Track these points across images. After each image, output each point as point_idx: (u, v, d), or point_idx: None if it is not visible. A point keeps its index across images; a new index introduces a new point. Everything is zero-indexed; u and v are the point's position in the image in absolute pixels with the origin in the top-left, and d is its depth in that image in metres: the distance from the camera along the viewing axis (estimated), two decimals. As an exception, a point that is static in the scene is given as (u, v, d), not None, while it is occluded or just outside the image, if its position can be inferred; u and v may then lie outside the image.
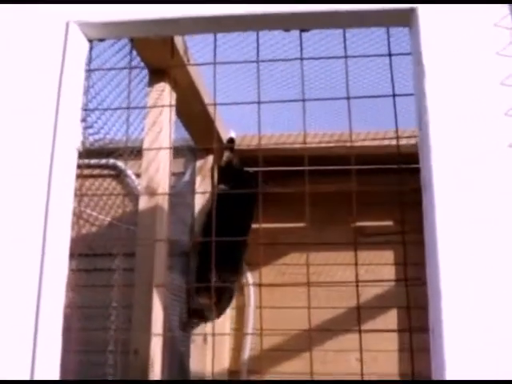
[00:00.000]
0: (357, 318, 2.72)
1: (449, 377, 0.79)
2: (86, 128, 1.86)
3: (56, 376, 0.89)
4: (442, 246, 0.84)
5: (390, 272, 2.82)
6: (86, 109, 1.41)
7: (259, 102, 1.07)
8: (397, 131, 1.07)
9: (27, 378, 0.85)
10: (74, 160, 1.02)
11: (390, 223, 2.83)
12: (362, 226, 2.90)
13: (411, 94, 0.90)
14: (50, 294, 0.90)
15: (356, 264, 1.24)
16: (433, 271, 0.84)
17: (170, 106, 1.95)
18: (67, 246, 0.95)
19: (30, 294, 0.88)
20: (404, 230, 1.15)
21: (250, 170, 2.59)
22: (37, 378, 0.85)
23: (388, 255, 2.85)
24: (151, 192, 1.90)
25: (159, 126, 1.94)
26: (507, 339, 0.80)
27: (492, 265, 0.82)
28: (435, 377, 0.81)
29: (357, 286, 1.28)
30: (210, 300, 2.38)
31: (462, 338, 0.80)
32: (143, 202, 1.92)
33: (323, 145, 2.69)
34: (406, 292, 1.16)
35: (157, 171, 1.90)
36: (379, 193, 2.79)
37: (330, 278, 2.84)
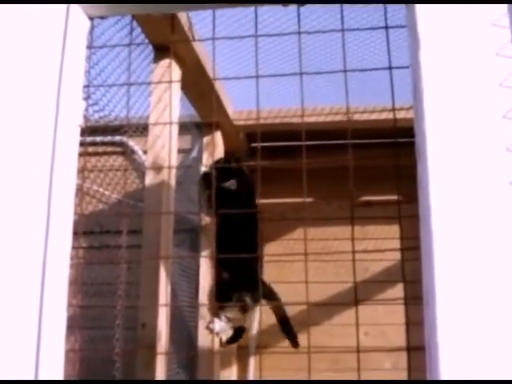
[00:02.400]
0: (364, 292, 2.75)
1: (441, 348, 0.79)
2: (91, 105, 1.87)
3: (61, 352, 0.90)
4: (435, 214, 0.84)
5: (396, 246, 2.82)
6: (87, 85, 1.41)
7: (257, 77, 1.07)
8: (393, 103, 1.07)
9: (33, 355, 0.86)
10: (76, 137, 1.02)
11: (396, 197, 2.82)
12: (367, 200, 2.90)
13: (407, 67, 0.90)
14: (54, 271, 0.91)
15: (352, 239, 1.24)
16: (426, 239, 0.84)
17: (171, 81, 1.94)
18: (71, 222, 0.96)
19: (34, 273, 0.89)
20: (399, 201, 1.15)
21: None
22: (42, 355, 0.86)
23: (395, 229, 2.84)
24: (157, 169, 1.91)
25: (164, 102, 1.94)
26: (500, 310, 0.80)
27: (485, 232, 0.82)
28: (428, 349, 0.82)
29: (353, 260, 1.28)
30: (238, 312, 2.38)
31: (454, 309, 0.81)
32: (149, 178, 1.92)
33: (321, 119, 2.69)
34: (402, 267, 1.16)
35: (163, 147, 1.91)
36: (387, 167, 2.78)
37: (338, 251, 2.85)
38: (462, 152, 0.86)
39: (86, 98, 1.77)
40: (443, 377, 0.79)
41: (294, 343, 2.41)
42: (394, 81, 1.02)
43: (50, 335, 0.89)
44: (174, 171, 2.01)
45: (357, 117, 2.68)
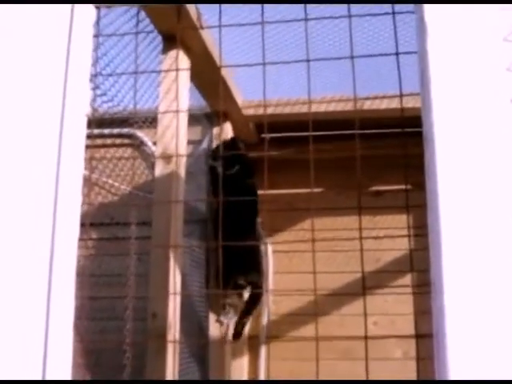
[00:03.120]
0: (375, 282, 2.75)
1: (449, 336, 0.79)
2: (99, 96, 1.87)
3: (69, 343, 0.91)
4: (443, 202, 0.83)
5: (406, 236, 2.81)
6: (95, 74, 1.40)
7: (264, 64, 1.07)
8: (400, 88, 1.06)
9: (41, 346, 0.87)
10: (83, 126, 1.02)
11: (407, 187, 2.81)
12: (377, 190, 2.90)
13: (414, 52, 0.89)
14: (62, 262, 0.91)
15: (360, 228, 1.24)
16: (434, 223, 0.84)
17: (178, 69, 1.93)
18: (78, 214, 0.96)
19: (41, 264, 0.90)
20: (407, 190, 1.14)
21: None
22: (50, 345, 0.87)
23: (405, 219, 2.84)
24: (167, 159, 1.91)
25: (173, 92, 1.94)
26: (509, 298, 0.80)
27: (495, 221, 0.82)
28: (436, 337, 0.82)
29: (361, 249, 1.28)
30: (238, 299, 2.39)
31: (463, 297, 0.80)
32: (159, 169, 1.93)
33: (330, 109, 2.68)
34: (410, 256, 1.16)
35: (172, 137, 1.91)
36: (396, 156, 2.77)
37: (349, 242, 2.85)
38: (471, 139, 0.85)
39: (94, 88, 1.78)
40: (451, 365, 0.79)
41: (236, 334, 2.44)
42: (402, 72, 1.01)
43: (57, 326, 0.89)
44: (183, 161, 2.01)
45: (366, 106, 2.67)
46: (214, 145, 2.70)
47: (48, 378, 0.86)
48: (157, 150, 1.96)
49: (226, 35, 1.93)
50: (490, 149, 0.84)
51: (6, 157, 0.93)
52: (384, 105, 2.65)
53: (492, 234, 0.82)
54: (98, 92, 1.86)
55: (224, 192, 2.13)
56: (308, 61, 1.04)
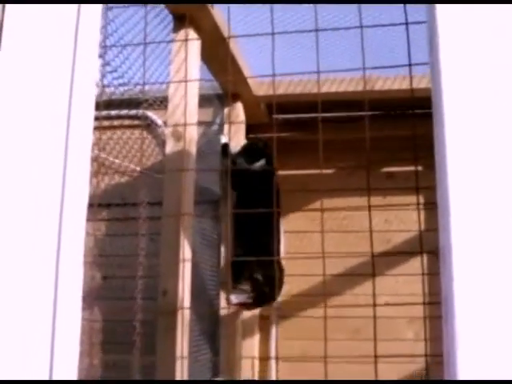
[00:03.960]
0: (386, 263, 2.75)
1: (457, 300, 0.79)
2: (110, 72, 1.87)
3: (77, 323, 0.92)
4: (451, 170, 0.83)
5: (417, 217, 2.81)
6: (103, 46, 1.40)
7: (273, 33, 1.06)
8: (409, 58, 1.05)
9: (49, 326, 0.88)
10: (92, 96, 1.01)
11: (418, 168, 2.80)
12: (388, 171, 2.89)
13: (423, 22, 0.88)
14: (69, 244, 0.91)
15: (369, 208, 1.24)
16: (443, 194, 0.83)
17: (187, 39, 1.92)
18: (86, 195, 0.96)
19: (48, 246, 0.90)
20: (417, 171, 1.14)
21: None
22: (58, 326, 0.88)
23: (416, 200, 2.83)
24: (178, 137, 1.92)
25: (184, 70, 1.94)
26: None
27: (504, 188, 0.81)
28: (445, 301, 0.82)
29: (370, 230, 1.28)
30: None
31: (470, 261, 0.80)
32: (170, 147, 1.93)
33: (341, 89, 2.66)
34: (420, 237, 1.15)
35: (182, 115, 1.91)
36: (409, 137, 2.76)
37: (359, 223, 2.85)
38: (482, 114, 0.84)
39: (104, 65, 1.78)
40: (458, 329, 0.79)
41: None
42: (413, 54, 1.01)
43: (65, 307, 0.90)
44: (194, 138, 2.01)
45: (377, 87, 2.65)
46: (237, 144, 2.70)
47: (56, 358, 0.87)
48: (167, 129, 1.96)
49: (236, 16, 1.93)
50: (503, 123, 0.83)
51: (14, 138, 0.93)
52: (396, 85, 2.63)
53: (503, 205, 0.81)
54: (109, 68, 1.86)
55: (249, 189, 2.15)
56: (317, 30, 1.04)
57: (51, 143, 0.94)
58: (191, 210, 1.96)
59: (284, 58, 2.24)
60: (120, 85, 1.96)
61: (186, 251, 1.85)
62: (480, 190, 0.83)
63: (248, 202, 2.33)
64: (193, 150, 1.98)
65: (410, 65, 1.10)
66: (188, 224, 1.91)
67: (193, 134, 1.98)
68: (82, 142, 0.97)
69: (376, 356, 1.49)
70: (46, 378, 0.87)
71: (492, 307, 0.80)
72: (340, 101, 2.60)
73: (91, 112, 1.00)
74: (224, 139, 2.64)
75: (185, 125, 1.87)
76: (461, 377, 0.79)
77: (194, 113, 1.97)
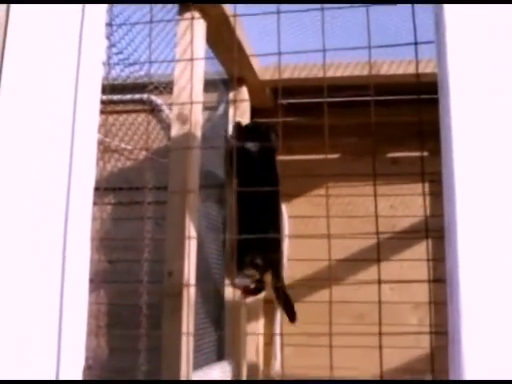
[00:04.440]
0: (391, 248, 2.76)
1: (462, 280, 0.79)
2: (116, 54, 1.87)
3: (84, 306, 0.92)
4: (457, 148, 0.83)
5: (422, 203, 2.81)
6: (109, 24, 1.39)
7: (278, 13, 1.06)
8: (415, 36, 1.04)
9: (56, 310, 0.88)
10: (99, 76, 1.01)
11: (424, 154, 2.80)
12: (394, 157, 2.88)
13: (430, 1, 0.87)
14: (76, 228, 0.92)
15: (375, 194, 1.24)
16: (448, 172, 0.83)
17: (193, 18, 1.91)
18: (93, 178, 0.96)
19: (55, 229, 0.91)
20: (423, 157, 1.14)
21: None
22: (66, 309, 0.88)
23: (421, 187, 2.83)
24: (183, 120, 1.91)
25: (189, 52, 1.94)
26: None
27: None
28: (450, 281, 0.82)
29: (376, 215, 1.28)
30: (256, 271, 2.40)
31: (476, 239, 0.80)
32: (175, 130, 1.93)
33: (346, 74, 2.65)
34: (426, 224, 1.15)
35: (188, 98, 1.91)
36: (413, 124, 2.75)
37: (365, 208, 2.85)
38: (488, 95, 0.84)
39: (110, 47, 1.78)
40: (463, 308, 0.79)
41: (291, 317, 2.43)
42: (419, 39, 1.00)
43: (73, 291, 0.90)
44: (199, 121, 2.01)
45: (382, 71, 2.64)
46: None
47: (63, 339, 0.88)
48: (172, 112, 1.96)
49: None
50: (507, 100, 0.82)
51: (21, 122, 0.94)
52: (401, 70, 2.62)
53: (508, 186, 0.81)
54: (115, 50, 1.86)
55: (251, 171, 2.14)
56: (322, 9, 1.03)
57: (58, 125, 0.94)
58: (197, 190, 1.96)
59: (289, 43, 2.23)
60: (126, 65, 1.95)
61: (191, 232, 1.85)
62: (486, 168, 0.83)
63: (247, 184, 2.32)
64: (198, 132, 1.98)
65: (415, 43, 1.09)
66: (193, 205, 1.91)
67: (198, 116, 1.98)
68: (89, 125, 0.97)
69: (381, 347, 1.50)
70: (54, 361, 0.88)
71: (497, 285, 0.80)
72: (345, 85, 2.59)
73: (97, 92, 1.00)
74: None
75: (191, 103, 1.87)
76: (465, 354, 0.79)
77: (199, 95, 1.97)
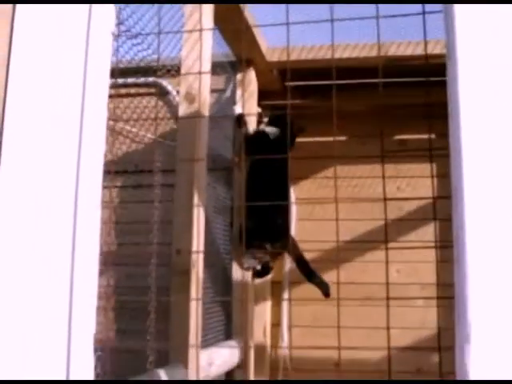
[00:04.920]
0: (397, 230, 2.76)
1: (468, 242, 0.80)
2: (124, 32, 1.86)
3: (94, 289, 0.93)
4: (464, 118, 0.83)
5: (430, 185, 2.80)
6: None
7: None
8: (424, 13, 1.04)
9: (67, 291, 0.90)
10: (109, 44, 1.01)
11: (431, 136, 2.79)
12: (401, 139, 2.88)
13: None
14: (86, 211, 0.93)
15: (383, 177, 1.24)
16: (455, 137, 0.83)
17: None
18: (101, 161, 0.97)
19: (66, 212, 0.92)
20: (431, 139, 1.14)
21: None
22: (76, 292, 0.90)
23: (429, 168, 2.83)
24: (191, 99, 1.92)
25: (197, 32, 1.94)
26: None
27: None
28: (456, 244, 0.83)
29: (385, 200, 1.29)
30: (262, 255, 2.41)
31: (482, 202, 0.81)
32: (183, 109, 1.93)
33: (354, 55, 2.64)
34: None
35: (196, 77, 1.91)
36: (421, 106, 2.74)
37: (372, 190, 2.85)
38: (497, 77, 0.84)
39: (119, 24, 1.77)
40: (470, 269, 0.80)
41: (325, 292, 2.41)
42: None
43: (83, 273, 0.91)
44: (207, 100, 2.01)
45: (390, 52, 2.62)
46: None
47: (73, 322, 0.89)
48: (180, 91, 1.96)
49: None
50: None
51: (31, 107, 0.94)
52: (409, 51, 2.60)
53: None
54: (123, 28, 1.86)
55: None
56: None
57: (67, 107, 0.94)
58: (204, 167, 1.97)
59: (297, 26, 2.22)
60: (134, 44, 1.94)
61: (199, 211, 1.86)
62: (491, 133, 0.83)
63: (261, 169, 2.33)
64: (206, 111, 1.98)
65: (424, 13, 1.09)
66: (201, 181, 1.92)
67: (206, 95, 1.98)
68: (98, 106, 0.98)
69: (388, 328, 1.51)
70: (65, 342, 0.90)
71: (504, 246, 0.81)
72: (353, 67, 2.57)
73: (107, 72, 1.00)
74: (238, 109, 2.64)
75: (200, 73, 1.86)
76: (471, 314, 0.80)
77: (207, 75, 1.97)
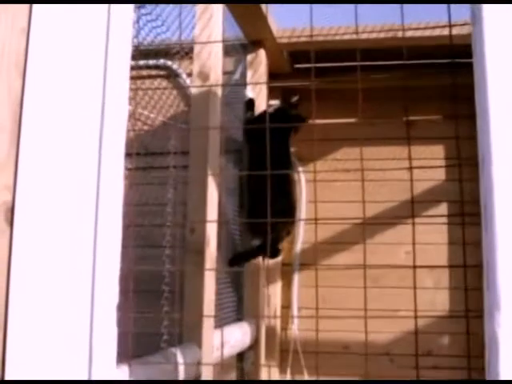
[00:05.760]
0: (407, 211, 2.76)
1: (497, 208, 0.80)
2: (145, 14, 1.87)
3: (116, 269, 0.94)
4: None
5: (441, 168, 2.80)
6: None
7: None
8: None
9: (89, 273, 0.91)
10: (129, 39, 1.01)
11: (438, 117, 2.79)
12: (413, 121, 2.87)
13: None
14: (108, 192, 0.94)
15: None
16: (483, 111, 0.84)
17: None
18: (123, 144, 0.97)
19: (88, 193, 0.93)
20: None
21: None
22: (98, 274, 0.91)
23: (440, 150, 2.83)
24: (204, 77, 1.92)
25: (210, 12, 1.94)
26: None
27: None
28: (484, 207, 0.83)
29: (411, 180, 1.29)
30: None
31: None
32: (196, 88, 1.94)
33: (374, 36, 2.62)
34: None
35: (209, 55, 1.92)
36: (432, 87, 2.73)
37: (382, 172, 2.85)
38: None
39: (140, 7, 1.78)
40: (499, 236, 0.80)
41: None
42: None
43: (105, 254, 0.93)
44: (220, 78, 2.01)
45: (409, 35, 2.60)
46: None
47: (96, 304, 0.91)
48: (194, 69, 1.97)
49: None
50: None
51: (52, 92, 0.95)
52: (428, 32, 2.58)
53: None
54: (143, 11, 1.86)
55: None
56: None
57: (89, 91, 0.95)
58: (218, 144, 1.97)
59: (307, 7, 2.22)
60: (154, 27, 1.95)
61: (213, 190, 1.87)
62: None
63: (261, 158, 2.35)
64: (218, 90, 1.98)
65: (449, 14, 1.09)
66: (215, 159, 1.93)
67: (218, 74, 1.98)
68: (119, 90, 0.98)
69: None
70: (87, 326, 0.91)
71: None
72: (369, 49, 2.56)
73: (128, 55, 1.00)
74: (249, 93, 2.64)
75: (209, 42, 1.87)
76: (500, 280, 0.80)
77: (219, 54, 1.98)
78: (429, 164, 2.78)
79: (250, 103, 2.61)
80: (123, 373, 1.29)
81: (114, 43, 0.98)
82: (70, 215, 0.92)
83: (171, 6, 1.96)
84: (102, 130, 0.94)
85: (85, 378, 0.88)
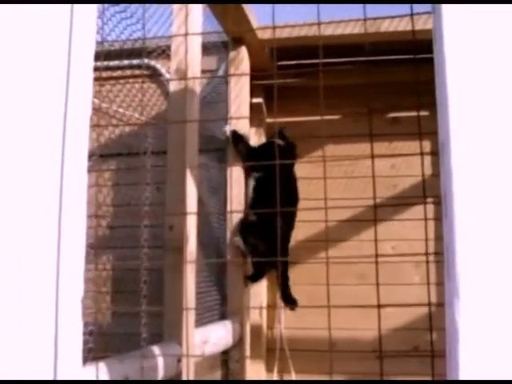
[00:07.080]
0: (392, 208, 2.76)
1: (456, 197, 0.80)
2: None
3: (81, 273, 0.93)
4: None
5: (425, 162, 2.79)
6: None
7: None
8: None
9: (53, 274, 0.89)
10: (93, 33, 1.00)
11: (425, 113, 2.77)
12: (394, 117, 2.87)
13: None
14: (72, 195, 0.92)
15: (372, 156, 1.24)
16: (442, 100, 0.83)
17: None
18: (86, 145, 0.96)
19: (51, 196, 0.91)
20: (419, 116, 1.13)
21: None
22: (62, 275, 0.89)
23: (423, 145, 2.81)
24: (181, 74, 1.90)
25: (187, 9, 1.92)
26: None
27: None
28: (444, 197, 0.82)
29: (373, 177, 1.28)
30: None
31: (469, 156, 0.81)
32: (173, 85, 1.92)
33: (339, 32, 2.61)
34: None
35: (186, 53, 1.90)
36: (413, 83, 2.72)
37: (365, 168, 2.84)
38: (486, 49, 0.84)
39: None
40: (457, 224, 0.80)
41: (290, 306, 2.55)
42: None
43: (69, 257, 0.91)
44: (197, 74, 1.99)
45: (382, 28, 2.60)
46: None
47: (60, 305, 0.89)
48: (171, 67, 1.95)
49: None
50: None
51: (13, 85, 0.93)
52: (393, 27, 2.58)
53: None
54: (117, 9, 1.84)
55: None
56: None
57: (51, 89, 0.93)
58: (196, 140, 1.95)
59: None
60: (123, 18, 1.92)
61: (191, 185, 1.85)
62: (477, 88, 0.83)
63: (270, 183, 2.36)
64: (197, 87, 1.96)
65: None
66: (193, 158, 1.91)
67: (196, 70, 1.96)
68: (82, 90, 0.97)
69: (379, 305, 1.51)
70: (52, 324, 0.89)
71: (492, 198, 0.80)
72: (343, 45, 2.55)
73: (91, 53, 0.99)
74: (229, 128, 2.64)
75: (186, 35, 1.85)
76: (459, 267, 0.79)
77: (196, 50, 1.96)
78: (414, 160, 2.78)
79: (236, 135, 2.61)
80: (98, 370, 1.27)
81: (77, 41, 0.96)
82: (33, 211, 0.90)
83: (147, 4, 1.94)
84: (65, 125, 0.93)
85: (50, 377, 0.87)
